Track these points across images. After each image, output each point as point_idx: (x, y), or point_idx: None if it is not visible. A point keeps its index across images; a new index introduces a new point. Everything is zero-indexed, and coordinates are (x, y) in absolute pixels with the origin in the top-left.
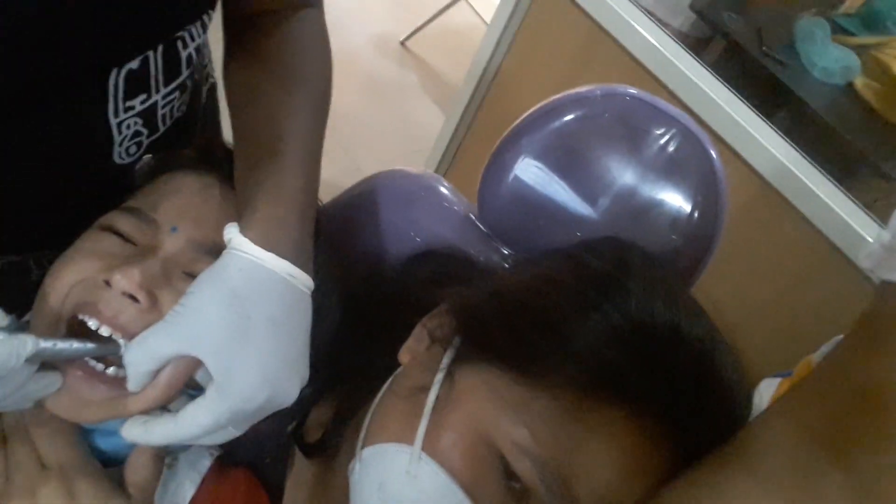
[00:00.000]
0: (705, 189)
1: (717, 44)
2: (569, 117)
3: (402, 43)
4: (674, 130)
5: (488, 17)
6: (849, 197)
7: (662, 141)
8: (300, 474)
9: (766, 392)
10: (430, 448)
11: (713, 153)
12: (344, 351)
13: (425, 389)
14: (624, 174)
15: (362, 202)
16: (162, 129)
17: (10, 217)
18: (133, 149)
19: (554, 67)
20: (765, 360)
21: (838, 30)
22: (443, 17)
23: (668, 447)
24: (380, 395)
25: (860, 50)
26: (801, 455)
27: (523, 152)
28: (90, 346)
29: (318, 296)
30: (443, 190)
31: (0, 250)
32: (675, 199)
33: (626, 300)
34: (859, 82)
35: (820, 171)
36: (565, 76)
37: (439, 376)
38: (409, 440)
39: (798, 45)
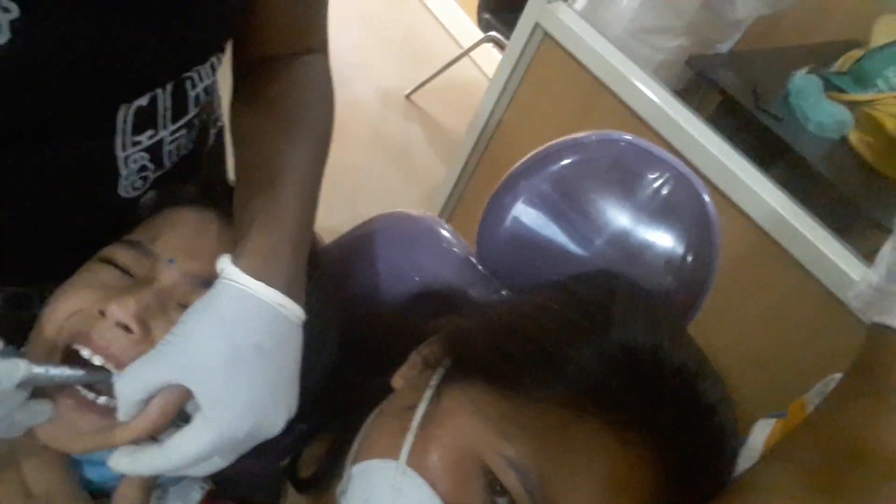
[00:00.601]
0: (698, 231)
1: (712, 98)
2: (565, 162)
3: (408, 97)
4: (667, 175)
5: (491, 73)
6: (842, 244)
7: (656, 185)
8: None
9: (760, 432)
10: (415, 462)
11: (705, 196)
12: (341, 387)
13: (413, 407)
14: (619, 217)
15: (363, 242)
16: (168, 164)
17: (15, 248)
18: (139, 183)
19: (554, 120)
20: (760, 403)
21: (830, 87)
22: (447, 72)
23: (652, 464)
24: (371, 417)
25: (852, 106)
26: (802, 500)
27: (521, 196)
28: (81, 373)
29: (315, 331)
30: (443, 232)
31: (4, 282)
32: (669, 241)
33: (607, 323)
34: (853, 137)
35: (815, 220)
36: (565, 129)
37: (427, 394)
38: (395, 455)
39: (792, 100)
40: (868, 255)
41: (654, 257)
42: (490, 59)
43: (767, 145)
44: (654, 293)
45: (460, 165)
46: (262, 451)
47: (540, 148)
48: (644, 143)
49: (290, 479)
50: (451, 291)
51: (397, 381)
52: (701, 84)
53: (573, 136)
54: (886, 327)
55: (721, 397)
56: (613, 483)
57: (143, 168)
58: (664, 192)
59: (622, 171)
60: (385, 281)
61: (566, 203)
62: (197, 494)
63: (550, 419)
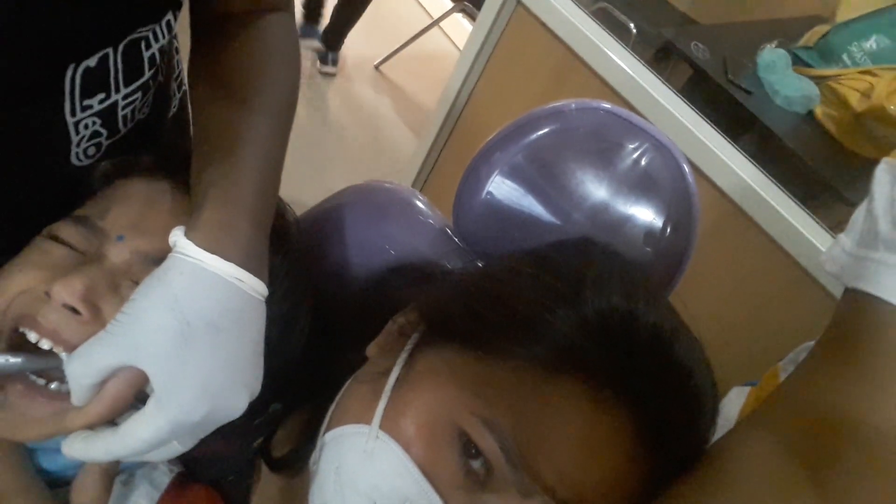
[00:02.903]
0: (678, 203)
1: (683, 71)
2: (543, 131)
3: (377, 67)
4: (647, 145)
5: (461, 44)
6: (812, 217)
7: (636, 155)
8: (266, 490)
9: (736, 399)
10: (388, 427)
11: (685, 167)
12: (315, 364)
13: (387, 373)
14: (598, 188)
15: (335, 215)
16: (122, 130)
17: None
18: (92, 150)
19: (526, 91)
20: (732, 372)
21: (798, 61)
22: (417, 42)
23: (628, 426)
24: (344, 386)
25: (818, 80)
26: (779, 469)
27: (497, 167)
28: (28, 360)
29: (286, 307)
30: (418, 203)
31: None
32: (648, 213)
33: (581, 286)
34: (819, 111)
35: (784, 192)
36: (538, 99)
37: (401, 358)
38: (368, 420)
39: (761, 74)
40: (833, 226)
41: (633, 229)
42: (460, 29)
43: (737, 118)
44: (629, 258)
45: (432, 137)
46: (234, 432)
47: (518, 117)
48: (623, 111)
49: (265, 459)
50: (427, 263)
51: (371, 349)
52: (672, 56)
53: (552, 104)
54: (861, 293)
55: (698, 360)
56: (589, 444)
57: (96, 134)
58: (643, 162)
59: (601, 141)
60: (359, 254)
61: (543, 174)
62: (165, 478)
63: (525, 381)
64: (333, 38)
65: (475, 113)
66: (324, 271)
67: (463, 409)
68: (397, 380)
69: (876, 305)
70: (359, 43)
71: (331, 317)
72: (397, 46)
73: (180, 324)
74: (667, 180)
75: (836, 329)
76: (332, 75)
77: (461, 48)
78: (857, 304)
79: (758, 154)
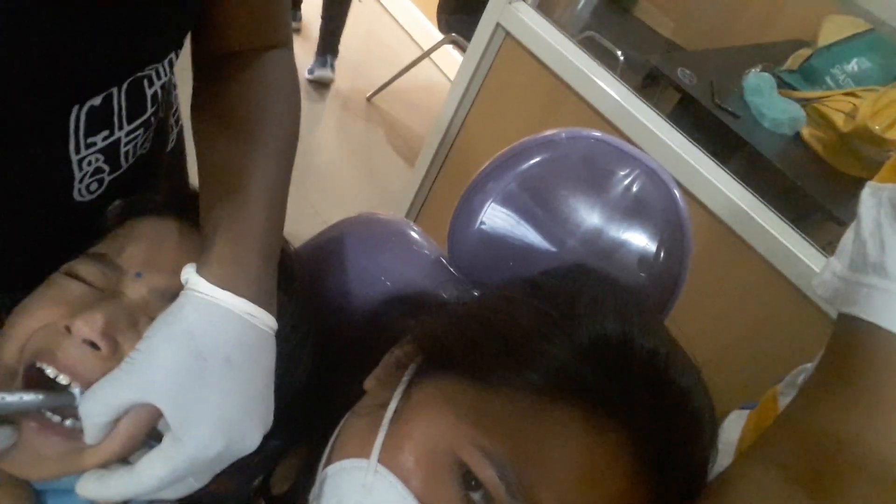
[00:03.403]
0: (670, 227)
1: (671, 96)
2: (535, 160)
3: (369, 99)
4: (637, 171)
5: (452, 75)
6: (803, 237)
7: (627, 182)
8: None
9: (735, 423)
10: (386, 460)
11: (676, 192)
12: (314, 398)
13: (385, 405)
14: (590, 214)
15: (331, 247)
16: (124, 165)
17: None
18: (94, 185)
19: (518, 119)
20: (727, 394)
21: (783, 84)
22: (408, 74)
23: (628, 451)
24: (343, 420)
25: (804, 103)
26: (782, 500)
27: (490, 196)
28: (42, 397)
29: (291, 343)
30: (412, 234)
31: None
32: (641, 238)
33: (575, 312)
34: (806, 132)
35: (774, 213)
36: (529, 128)
37: (399, 391)
38: (367, 454)
39: (747, 97)
40: (824, 245)
41: (627, 255)
42: (451, 60)
43: (725, 141)
44: (622, 283)
45: (425, 166)
46: (234, 469)
47: (510, 146)
48: (614, 139)
49: (264, 497)
50: (423, 293)
51: (369, 383)
52: (659, 82)
53: (543, 133)
54: (854, 318)
55: (695, 383)
56: (590, 470)
57: (99, 170)
58: (635, 188)
59: (593, 169)
60: (355, 285)
61: (537, 202)
62: None
63: (523, 409)
64: (331, 40)
65: (467, 142)
66: (320, 304)
67: (461, 440)
68: (395, 412)
69: (870, 331)
70: (350, 75)
71: (328, 350)
72: (389, 78)
73: (195, 359)
74: (658, 205)
75: (832, 356)
76: (331, 81)
77: (451, 79)
78: (852, 329)
79: (747, 176)
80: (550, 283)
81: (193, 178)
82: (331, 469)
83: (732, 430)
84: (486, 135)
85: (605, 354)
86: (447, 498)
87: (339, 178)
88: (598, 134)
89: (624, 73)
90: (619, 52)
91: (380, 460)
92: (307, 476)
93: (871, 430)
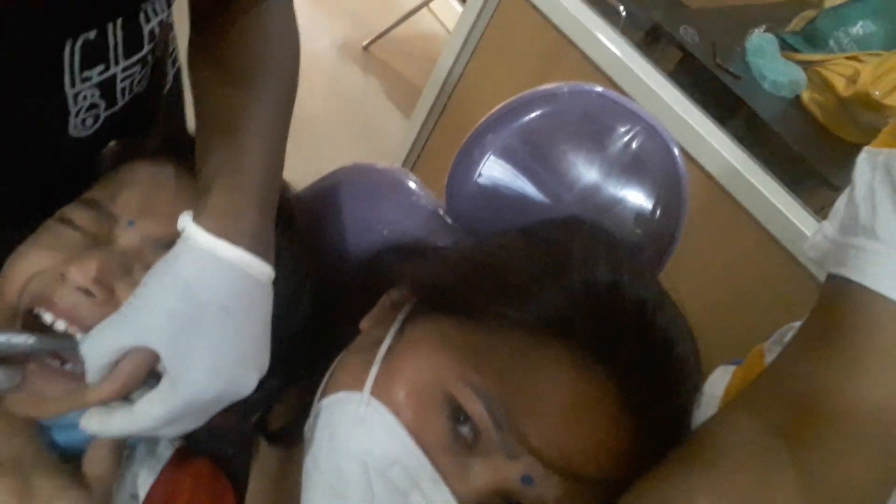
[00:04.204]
0: (667, 185)
1: (672, 54)
2: (536, 114)
3: (365, 48)
4: (638, 128)
5: (450, 25)
6: (797, 201)
7: (627, 138)
8: (265, 463)
9: (721, 378)
10: (379, 393)
11: (676, 150)
12: (311, 340)
13: (379, 343)
14: (589, 170)
15: (328, 196)
16: (120, 102)
17: None
18: (90, 121)
19: (516, 74)
20: (719, 351)
21: (785, 46)
22: (406, 23)
23: (613, 394)
24: (338, 358)
25: (805, 66)
26: (762, 451)
27: (490, 148)
28: (44, 340)
29: (290, 287)
30: (410, 184)
31: None
32: (639, 196)
33: (568, 259)
34: (806, 96)
35: (770, 176)
36: (528, 81)
37: (393, 329)
38: (360, 388)
39: (749, 58)
40: (818, 210)
41: (623, 211)
42: (450, 10)
43: (725, 102)
44: (615, 235)
45: (422, 118)
46: (232, 407)
47: (510, 99)
48: (616, 95)
49: (262, 433)
50: (419, 242)
51: (365, 323)
52: (660, 40)
53: (545, 86)
54: (842, 278)
55: (681, 331)
56: (575, 408)
57: (94, 105)
58: (634, 145)
59: (593, 124)
60: (351, 234)
61: (536, 156)
62: (167, 452)
63: (512, 348)
64: None
65: (465, 94)
66: (317, 251)
67: (452, 376)
68: (388, 349)
69: (857, 291)
70: (347, 23)
71: (324, 294)
72: (386, 27)
73: (192, 307)
74: (657, 163)
75: (818, 314)
76: None
77: (450, 30)
78: (839, 289)
79: (745, 138)
80: (544, 231)
81: (191, 124)
82: (325, 402)
83: (718, 384)
84: (484, 87)
85: (595, 300)
86: (436, 430)
87: (332, 126)
88: (599, 89)
89: (626, 29)
90: (621, 7)
91: (372, 393)
92: (303, 412)
93: (850, 385)
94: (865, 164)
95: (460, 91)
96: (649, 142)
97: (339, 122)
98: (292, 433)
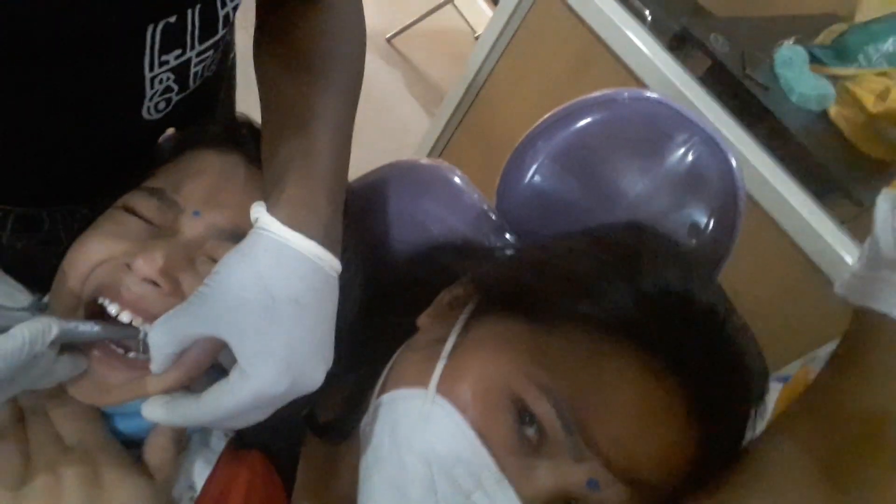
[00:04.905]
0: (723, 197)
1: (702, 61)
2: (592, 118)
3: (389, 40)
4: (696, 138)
5: (474, 22)
6: (823, 211)
7: (684, 148)
8: (313, 457)
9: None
10: (444, 391)
11: (734, 162)
12: (363, 334)
13: (442, 340)
14: (644, 179)
15: (374, 191)
16: (192, 86)
17: (30, 167)
18: (162, 105)
19: (546, 75)
20: None
21: (814, 59)
22: (430, 18)
23: (682, 400)
24: (397, 354)
25: (834, 80)
26: (804, 480)
27: (543, 152)
28: (110, 329)
29: (344, 277)
30: (457, 180)
31: (15, 202)
32: (694, 207)
33: (638, 263)
34: (833, 111)
35: (798, 186)
36: (558, 83)
37: (457, 326)
38: (425, 384)
39: (778, 70)
40: (839, 226)
41: (678, 220)
42: (474, 7)
43: (751, 111)
44: (679, 242)
45: (447, 115)
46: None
47: (568, 103)
48: (674, 103)
49: (311, 426)
50: (469, 240)
51: (423, 320)
52: (685, 46)
53: (603, 91)
54: (867, 310)
55: (749, 342)
56: (644, 413)
57: (168, 89)
58: (691, 155)
59: (650, 132)
60: (398, 231)
61: (590, 162)
62: (220, 443)
63: (581, 350)
64: None
65: (493, 93)
66: (364, 245)
67: (519, 376)
68: (453, 347)
69: (881, 321)
70: (371, 14)
71: (372, 288)
72: (410, 21)
73: (265, 299)
74: (714, 175)
75: (845, 345)
76: None
77: (473, 26)
78: (866, 321)
79: (770, 149)
80: (610, 234)
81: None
82: (386, 397)
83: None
84: (513, 87)
85: (666, 304)
86: (502, 431)
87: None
88: (658, 96)
89: (650, 33)
90: (647, 12)
91: (438, 391)
92: (355, 405)
93: (882, 407)
94: (884, 204)
95: (488, 90)
96: (707, 153)
97: (360, 113)
98: (341, 427)
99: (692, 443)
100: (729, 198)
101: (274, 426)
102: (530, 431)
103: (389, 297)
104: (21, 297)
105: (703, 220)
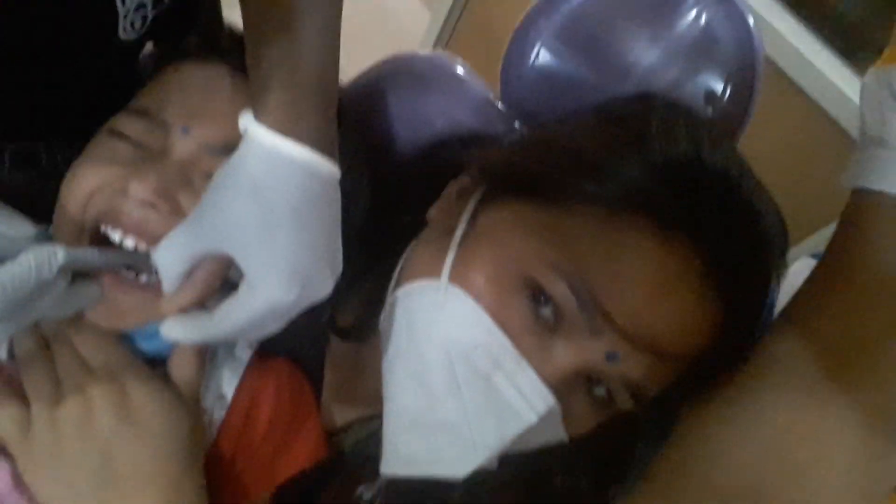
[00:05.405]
0: (740, 60)
1: None
2: None
3: None
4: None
5: None
6: (854, 73)
7: (695, 11)
8: (337, 358)
9: (802, 272)
10: (457, 279)
11: (750, 21)
12: (373, 237)
13: (451, 231)
14: (653, 49)
15: (373, 90)
16: (167, 1)
17: (18, 102)
18: (138, 22)
19: None
20: None
21: None
22: None
23: (697, 266)
24: (408, 248)
25: None
26: (812, 373)
27: (544, 31)
28: (118, 254)
29: (348, 181)
30: (459, 71)
31: (10, 137)
32: (709, 73)
33: (647, 133)
34: None
35: (822, 45)
36: None
37: (465, 215)
38: (437, 274)
39: None
40: None
41: (693, 89)
42: None
43: None
44: (692, 108)
45: (445, 10)
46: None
47: None
48: None
49: (332, 330)
50: (478, 133)
51: (432, 213)
52: None
53: None
54: (858, 188)
55: (766, 202)
56: (659, 282)
57: (141, 5)
58: (704, 18)
59: None
60: (402, 128)
61: (594, 37)
62: (246, 353)
63: (593, 225)
64: None
65: None
66: (368, 146)
67: (531, 257)
68: (462, 236)
69: (872, 196)
70: None
71: (381, 189)
72: None
73: (263, 210)
74: (729, 36)
75: (841, 230)
76: None
77: None
78: (857, 199)
79: (791, 5)
80: (618, 107)
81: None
82: (400, 292)
83: (799, 278)
84: None
85: (678, 172)
86: (517, 313)
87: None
88: None
89: None
90: None
91: (450, 279)
92: (373, 305)
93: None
94: (873, 83)
95: None
96: (721, 13)
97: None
98: (362, 328)
99: (710, 309)
100: (746, 61)
101: (296, 334)
102: (546, 312)
103: (398, 197)
104: (26, 227)
105: (719, 86)
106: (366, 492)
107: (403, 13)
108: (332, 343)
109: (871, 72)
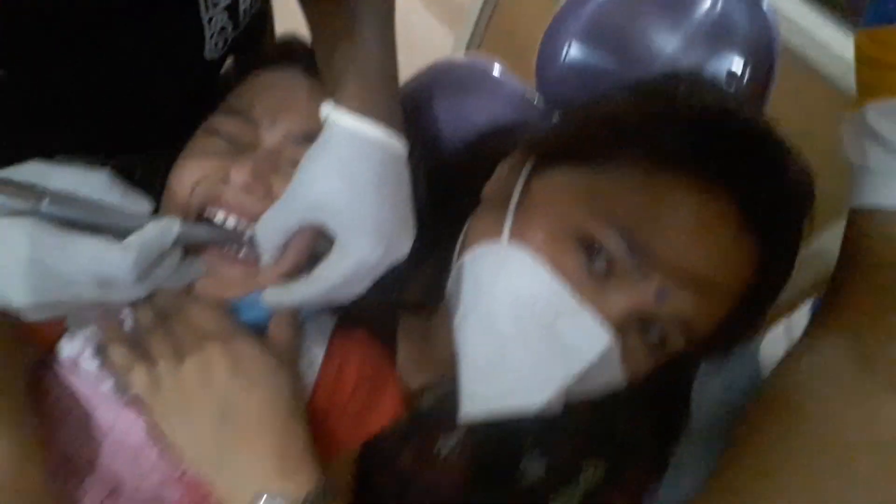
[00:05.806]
0: (756, 42)
1: None
2: None
3: None
4: None
5: None
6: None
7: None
8: (408, 330)
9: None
10: (516, 238)
11: (764, 3)
12: (432, 221)
13: (507, 200)
14: (675, 34)
15: (417, 96)
16: (242, 22)
17: (116, 119)
18: (220, 43)
19: None
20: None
21: None
22: None
23: (733, 211)
24: (467, 222)
25: None
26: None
27: (572, 32)
28: (221, 231)
29: (410, 165)
30: (496, 73)
31: (109, 153)
32: (728, 56)
33: (675, 95)
34: None
35: (837, 29)
36: None
37: (519, 184)
38: (497, 237)
39: None
40: None
41: (713, 71)
42: None
43: None
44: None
45: (469, 30)
46: (375, 288)
47: None
48: None
49: (401, 305)
50: (515, 123)
51: (486, 190)
52: None
53: None
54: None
55: (791, 155)
56: (698, 228)
57: (223, 29)
58: (720, 4)
59: None
60: (447, 131)
61: (618, 32)
62: (330, 323)
63: (635, 183)
64: None
65: (511, 2)
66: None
67: (583, 213)
68: (517, 203)
69: (861, 215)
70: None
71: (434, 181)
72: None
73: (350, 183)
74: (744, 20)
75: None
76: None
77: None
78: (851, 219)
79: None
80: (650, 83)
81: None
82: (465, 257)
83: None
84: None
85: (706, 125)
86: (573, 266)
87: None
88: None
89: None
90: None
91: (510, 240)
92: (439, 277)
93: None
94: (850, 128)
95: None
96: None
97: None
98: (428, 301)
99: (748, 247)
100: (763, 41)
101: (371, 310)
102: (599, 263)
103: (451, 186)
104: (143, 204)
105: (738, 67)
106: (445, 444)
107: (429, 38)
108: (402, 320)
109: (847, 119)
